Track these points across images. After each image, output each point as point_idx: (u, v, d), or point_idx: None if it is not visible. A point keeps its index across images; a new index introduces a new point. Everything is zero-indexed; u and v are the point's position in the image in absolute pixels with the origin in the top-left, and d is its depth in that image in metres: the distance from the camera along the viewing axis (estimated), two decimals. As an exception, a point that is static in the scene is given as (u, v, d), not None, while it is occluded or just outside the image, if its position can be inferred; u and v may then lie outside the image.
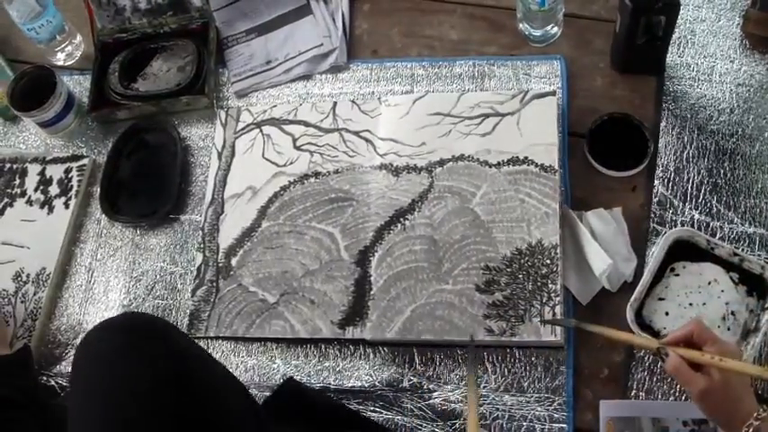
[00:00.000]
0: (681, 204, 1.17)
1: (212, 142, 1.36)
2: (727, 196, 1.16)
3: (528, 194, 1.17)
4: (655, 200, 1.17)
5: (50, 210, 1.37)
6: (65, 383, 1.22)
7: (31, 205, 1.38)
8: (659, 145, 1.21)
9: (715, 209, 1.16)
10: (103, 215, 1.34)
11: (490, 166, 1.21)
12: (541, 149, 1.20)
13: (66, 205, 1.36)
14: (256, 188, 1.29)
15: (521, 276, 1.13)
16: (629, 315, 1.07)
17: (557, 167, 1.18)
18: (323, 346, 1.19)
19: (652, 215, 1.16)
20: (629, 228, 1.16)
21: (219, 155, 1.33)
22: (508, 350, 1.13)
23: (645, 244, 1.15)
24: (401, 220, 1.20)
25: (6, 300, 1.30)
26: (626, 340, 0.97)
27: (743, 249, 1.12)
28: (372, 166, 1.25)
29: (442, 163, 1.23)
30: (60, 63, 1.49)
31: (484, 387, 1.11)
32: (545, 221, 1.15)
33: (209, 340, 1.22)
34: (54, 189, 1.39)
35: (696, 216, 1.16)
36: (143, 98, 1.40)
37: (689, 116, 1.22)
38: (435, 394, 1.12)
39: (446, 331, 1.13)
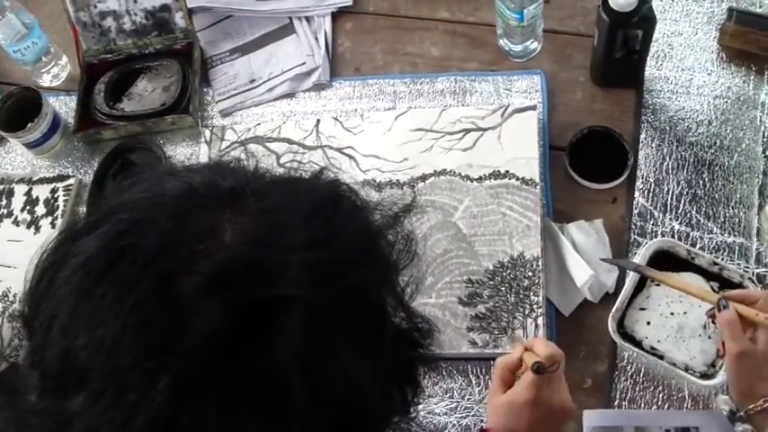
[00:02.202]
0: (661, 215, 1.18)
1: (197, 161, 1.36)
2: (707, 207, 1.18)
3: (509, 208, 1.19)
4: (635, 211, 1.19)
5: (37, 229, 1.37)
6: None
7: (17, 225, 1.39)
8: (639, 157, 1.22)
9: (695, 219, 1.17)
10: (90, 235, 1.34)
11: (472, 181, 1.22)
12: (522, 163, 1.21)
13: (53, 225, 1.37)
14: (241, 206, 1.29)
15: (503, 289, 1.14)
16: (611, 325, 1.08)
17: (538, 181, 1.19)
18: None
19: (633, 226, 1.18)
20: (611, 239, 1.17)
21: (204, 173, 1.34)
22: (492, 362, 1.13)
23: (626, 255, 1.16)
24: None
25: (-7, 320, 1.30)
26: (684, 288, 0.99)
27: (722, 258, 1.13)
28: (355, 182, 1.26)
29: (424, 178, 1.24)
30: (46, 84, 1.50)
31: (468, 399, 1.11)
32: (526, 234, 1.16)
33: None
34: (40, 209, 1.39)
35: (676, 227, 1.17)
36: (128, 118, 1.41)
37: (668, 128, 1.24)
38: (419, 407, 1.12)
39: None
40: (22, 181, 1.43)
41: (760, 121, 1.22)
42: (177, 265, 0.51)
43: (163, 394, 0.49)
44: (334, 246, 0.55)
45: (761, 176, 1.18)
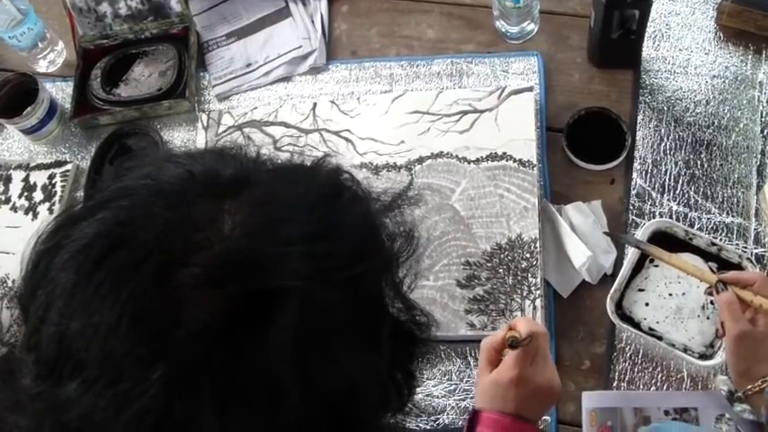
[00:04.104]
0: (659, 196, 1.18)
1: (194, 145, 1.36)
2: (705, 187, 1.17)
3: (507, 189, 1.18)
4: (633, 192, 1.18)
5: (35, 216, 1.37)
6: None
7: (15, 212, 1.39)
8: (636, 138, 1.22)
9: (693, 200, 1.17)
10: (88, 220, 1.34)
11: (469, 163, 1.22)
12: (520, 145, 1.21)
13: (51, 211, 1.37)
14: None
15: (501, 271, 1.14)
16: (610, 307, 1.08)
17: (535, 162, 1.19)
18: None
19: (630, 207, 1.17)
20: (608, 220, 1.17)
21: (202, 158, 1.34)
22: (490, 344, 1.13)
23: (622, 242, 1.15)
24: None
25: (-8, 306, 1.30)
26: (684, 268, 1.00)
27: (721, 239, 1.13)
28: (352, 165, 1.26)
29: (421, 160, 1.24)
30: (43, 70, 1.50)
31: (466, 381, 1.12)
32: (524, 216, 1.16)
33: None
34: (38, 195, 1.39)
35: (674, 207, 1.17)
36: (125, 103, 1.41)
37: (665, 109, 1.23)
38: (418, 390, 1.13)
39: (428, 327, 1.13)
40: (19, 167, 1.42)
41: (758, 100, 1.22)
42: (175, 256, 0.51)
43: (157, 384, 0.48)
44: (334, 238, 0.55)
45: (759, 156, 1.18)
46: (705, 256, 1.10)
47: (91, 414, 0.50)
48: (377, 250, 0.60)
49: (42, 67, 1.50)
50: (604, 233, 1.14)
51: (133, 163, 0.60)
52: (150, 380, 0.49)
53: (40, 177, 1.41)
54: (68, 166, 1.40)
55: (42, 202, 1.38)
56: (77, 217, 0.56)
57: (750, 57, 1.25)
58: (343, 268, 0.54)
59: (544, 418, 1.07)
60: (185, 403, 0.50)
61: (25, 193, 1.40)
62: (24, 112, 1.38)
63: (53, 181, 1.40)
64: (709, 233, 1.14)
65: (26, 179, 1.41)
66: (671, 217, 1.16)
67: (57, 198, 1.37)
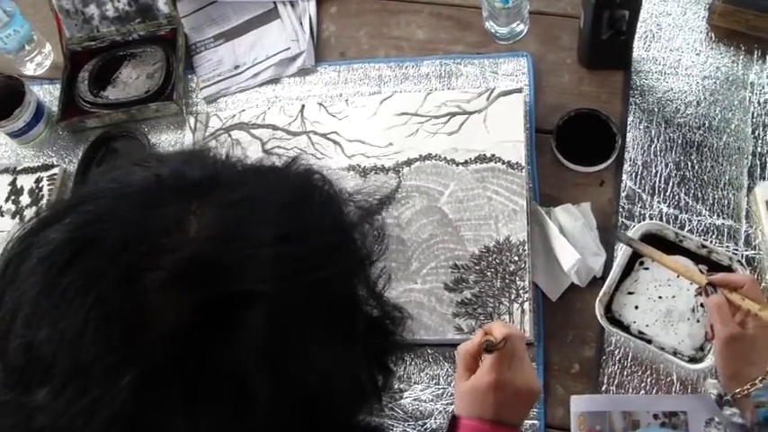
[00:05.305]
0: (649, 198, 1.16)
1: (182, 148, 1.35)
2: (695, 189, 1.16)
3: (495, 192, 1.17)
4: (623, 194, 1.17)
5: (21, 220, 1.36)
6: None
7: (2, 216, 1.38)
8: (627, 139, 1.21)
9: (683, 201, 1.15)
10: (74, 224, 1.33)
11: (457, 165, 1.21)
12: (509, 146, 1.20)
13: (38, 215, 1.35)
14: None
15: (489, 274, 1.13)
16: (599, 310, 1.07)
17: (524, 164, 1.18)
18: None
19: (620, 209, 1.16)
20: (598, 223, 1.16)
21: (189, 160, 1.33)
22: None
23: (613, 238, 1.14)
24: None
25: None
26: (675, 268, 0.99)
27: (711, 241, 1.12)
28: (340, 167, 1.25)
29: (409, 163, 1.23)
30: (30, 73, 1.49)
31: (454, 385, 1.10)
32: (512, 218, 1.15)
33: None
34: (25, 199, 1.38)
35: (664, 209, 1.15)
36: (112, 106, 1.40)
37: (656, 110, 1.22)
38: (406, 394, 1.12)
39: (415, 331, 1.12)
40: (6, 171, 1.41)
41: (749, 101, 1.20)
42: (141, 260, 0.50)
43: (126, 390, 0.48)
44: (303, 240, 0.54)
45: (750, 157, 1.17)
46: (695, 258, 1.09)
47: (61, 421, 0.49)
48: (348, 250, 0.59)
49: (30, 69, 1.49)
50: (598, 228, 1.13)
51: (106, 167, 0.60)
52: (119, 386, 0.48)
53: (27, 181, 1.40)
54: (55, 170, 1.39)
55: (29, 206, 1.37)
56: (45, 222, 0.56)
57: (741, 57, 1.24)
58: (312, 270, 0.53)
59: (533, 422, 1.06)
60: (155, 407, 0.49)
61: (12, 197, 1.39)
62: (11, 116, 1.37)
63: (40, 185, 1.38)
64: (699, 235, 1.12)
65: (13, 183, 1.40)
66: (661, 219, 1.15)
67: (44, 202, 1.37)
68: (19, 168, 1.41)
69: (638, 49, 1.26)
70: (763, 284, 1.08)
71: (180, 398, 0.49)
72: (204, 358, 0.50)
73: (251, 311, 0.50)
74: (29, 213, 1.36)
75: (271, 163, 0.62)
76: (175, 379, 0.49)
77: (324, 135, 1.28)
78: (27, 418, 0.51)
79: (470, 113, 1.23)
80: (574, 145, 1.20)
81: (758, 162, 1.16)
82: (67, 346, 0.49)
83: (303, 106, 1.32)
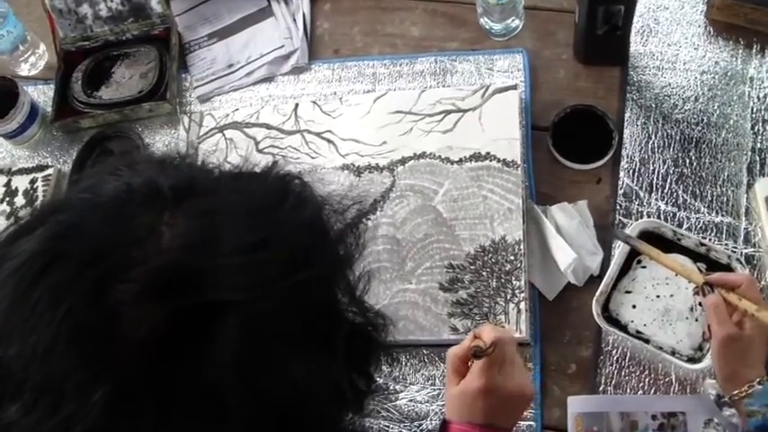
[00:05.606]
0: (647, 195, 1.15)
1: (176, 148, 1.34)
2: (694, 186, 1.15)
3: (491, 190, 1.16)
4: (620, 192, 1.16)
5: (16, 221, 1.35)
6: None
7: (-4, 217, 1.37)
8: (624, 136, 1.19)
9: (681, 199, 1.14)
10: (69, 225, 1.32)
11: (452, 163, 1.19)
12: (504, 144, 1.18)
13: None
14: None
15: (484, 274, 1.12)
16: (596, 309, 1.06)
17: (519, 162, 1.16)
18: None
19: (618, 207, 1.15)
20: (595, 221, 1.14)
21: (183, 160, 1.32)
22: (473, 349, 1.11)
23: (611, 238, 1.13)
24: (363, 220, 1.18)
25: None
26: (672, 267, 0.98)
27: (710, 239, 1.10)
28: (334, 166, 1.24)
29: (403, 161, 1.21)
30: (24, 73, 1.48)
31: (450, 387, 1.09)
32: (508, 217, 1.14)
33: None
34: (20, 200, 1.37)
35: (662, 207, 1.14)
36: (106, 106, 1.39)
37: (654, 106, 1.20)
38: (401, 395, 1.11)
39: (410, 331, 1.11)
40: (0, 172, 1.41)
41: (748, 96, 1.19)
42: (111, 272, 0.49)
43: (98, 405, 0.47)
44: (274, 247, 0.54)
45: (749, 153, 1.15)
46: (694, 256, 1.07)
47: None
48: (323, 254, 0.59)
49: (24, 70, 1.48)
50: (594, 227, 1.12)
51: (82, 174, 0.59)
52: (91, 401, 0.47)
53: (21, 182, 1.39)
54: (50, 171, 1.38)
55: (24, 207, 1.36)
56: (18, 232, 0.55)
57: (740, 51, 1.22)
58: (285, 276, 0.53)
59: (529, 423, 1.05)
60: (128, 422, 0.48)
61: (7, 199, 1.38)
62: (5, 117, 1.36)
63: (35, 185, 1.38)
64: (697, 233, 1.11)
65: (8, 184, 1.39)
66: (659, 217, 1.13)
67: (38, 203, 1.36)
68: (14, 169, 1.40)
69: (635, 44, 1.24)
70: (762, 283, 1.07)
71: (153, 411, 0.48)
72: (177, 371, 0.49)
73: (224, 321, 0.50)
74: (23, 215, 1.35)
75: (252, 167, 0.61)
76: (148, 393, 0.48)
77: (318, 134, 1.27)
78: None
79: (465, 111, 1.22)
80: (570, 142, 1.18)
81: (758, 158, 1.14)
82: (38, 361, 0.48)
83: (297, 105, 1.31)
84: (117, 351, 0.48)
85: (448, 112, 1.23)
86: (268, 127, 1.30)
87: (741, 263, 1.05)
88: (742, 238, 1.10)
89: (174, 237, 0.51)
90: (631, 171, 1.17)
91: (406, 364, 1.12)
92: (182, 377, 0.49)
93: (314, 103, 1.30)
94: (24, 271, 0.51)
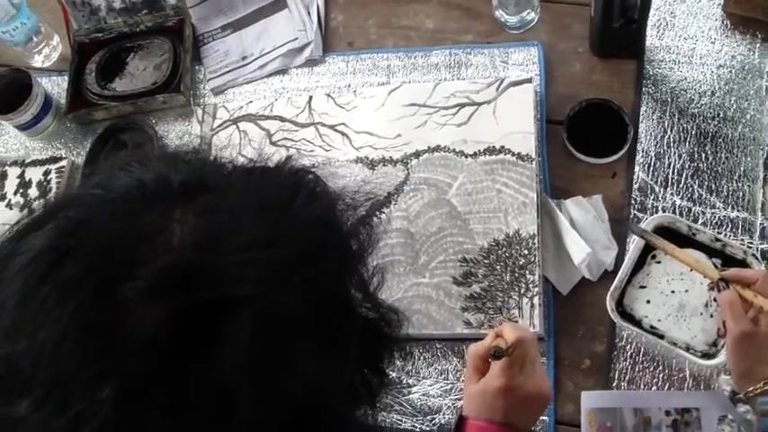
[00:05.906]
0: (662, 190, 1.14)
1: (190, 140, 1.34)
2: (709, 180, 1.14)
3: (505, 184, 1.15)
4: (635, 186, 1.15)
5: (30, 212, 1.35)
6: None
7: (11, 209, 1.37)
8: (639, 130, 1.18)
9: (697, 194, 1.13)
10: (83, 216, 1.33)
11: (466, 157, 1.19)
12: (518, 138, 1.18)
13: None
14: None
15: (498, 268, 1.11)
16: (610, 304, 1.05)
17: (534, 156, 1.16)
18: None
19: (633, 202, 1.14)
20: (610, 215, 1.14)
21: (197, 153, 1.32)
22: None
23: (626, 231, 1.12)
24: (377, 213, 1.18)
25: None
26: (687, 262, 0.98)
27: (725, 234, 1.10)
28: (348, 159, 1.24)
29: (417, 154, 1.21)
30: (38, 65, 1.48)
31: (463, 380, 1.09)
32: (522, 211, 1.13)
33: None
34: (33, 192, 1.38)
35: (678, 201, 1.13)
36: (120, 98, 1.39)
37: (669, 100, 1.20)
38: (415, 389, 1.11)
39: (424, 325, 1.11)
40: (15, 163, 1.41)
41: (765, 90, 1.18)
42: (120, 269, 0.49)
43: (107, 403, 0.47)
44: (286, 243, 0.53)
45: (766, 148, 1.14)
46: (709, 251, 1.07)
47: None
48: (336, 250, 0.58)
49: (38, 62, 1.49)
50: (609, 221, 1.12)
51: (94, 168, 0.59)
52: (100, 399, 0.47)
53: (35, 174, 1.39)
54: (63, 162, 1.38)
55: (38, 198, 1.37)
56: (28, 227, 0.54)
57: (758, 45, 1.21)
58: (297, 272, 0.52)
59: (543, 418, 1.05)
60: (137, 420, 0.48)
61: (21, 190, 1.39)
62: (19, 108, 1.36)
63: (48, 177, 1.38)
64: (713, 228, 1.10)
65: (21, 176, 1.40)
66: (674, 212, 1.12)
67: (52, 195, 1.36)
68: (27, 161, 1.41)
69: (651, 38, 1.23)
70: (778, 278, 1.06)
71: (162, 410, 0.48)
72: (187, 369, 0.48)
73: (235, 318, 0.49)
74: (37, 206, 1.35)
75: (265, 161, 0.60)
76: (158, 391, 0.48)
77: (332, 127, 1.27)
78: (9, 430, 0.50)
79: (480, 104, 1.22)
80: (585, 136, 1.18)
81: (774, 153, 1.14)
82: (46, 358, 0.48)
83: (311, 97, 1.30)
84: (125, 348, 0.48)
85: (462, 106, 1.22)
86: (282, 119, 1.30)
87: (757, 258, 1.05)
88: (758, 233, 1.10)
89: (184, 234, 0.51)
90: (647, 165, 1.16)
91: (419, 358, 1.12)
92: (192, 375, 0.49)
93: (328, 95, 1.30)
94: (33, 267, 0.50)
